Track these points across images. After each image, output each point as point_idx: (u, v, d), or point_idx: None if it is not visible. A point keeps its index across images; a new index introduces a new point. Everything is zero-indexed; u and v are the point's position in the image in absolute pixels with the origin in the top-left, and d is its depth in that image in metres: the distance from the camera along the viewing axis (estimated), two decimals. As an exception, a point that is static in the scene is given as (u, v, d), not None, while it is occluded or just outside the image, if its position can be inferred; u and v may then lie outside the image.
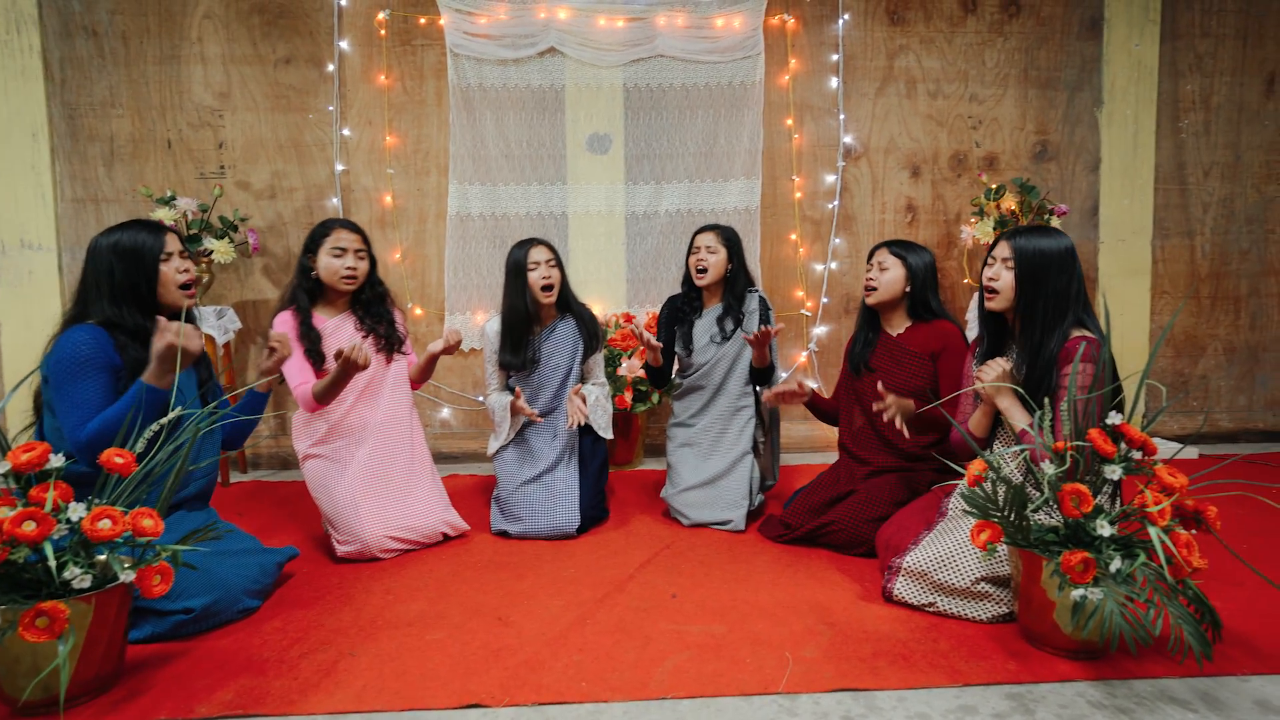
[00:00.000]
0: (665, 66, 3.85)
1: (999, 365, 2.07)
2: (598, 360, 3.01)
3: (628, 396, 3.51)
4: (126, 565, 1.62)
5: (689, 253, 2.97)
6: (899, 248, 2.60)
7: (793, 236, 3.98)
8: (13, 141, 3.59)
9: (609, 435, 2.94)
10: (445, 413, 3.93)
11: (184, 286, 2.12)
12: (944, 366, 2.52)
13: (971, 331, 3.47)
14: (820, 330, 4.01)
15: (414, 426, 2.75)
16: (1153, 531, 1.65)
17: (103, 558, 1.62)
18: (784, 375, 2.75)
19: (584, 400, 2.83)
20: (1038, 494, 1.82)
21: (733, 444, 2.88)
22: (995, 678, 1.73)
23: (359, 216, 3.82)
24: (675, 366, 3.08)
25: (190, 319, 2.00)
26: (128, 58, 3.66)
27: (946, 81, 3.96)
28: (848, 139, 3.95)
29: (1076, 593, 1.65)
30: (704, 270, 2.91)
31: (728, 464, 2.85)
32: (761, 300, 2.94)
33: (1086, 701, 1.64)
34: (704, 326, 2.97)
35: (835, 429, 2.84)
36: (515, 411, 2.81)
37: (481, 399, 3.89)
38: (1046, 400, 1.93)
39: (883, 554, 2.26)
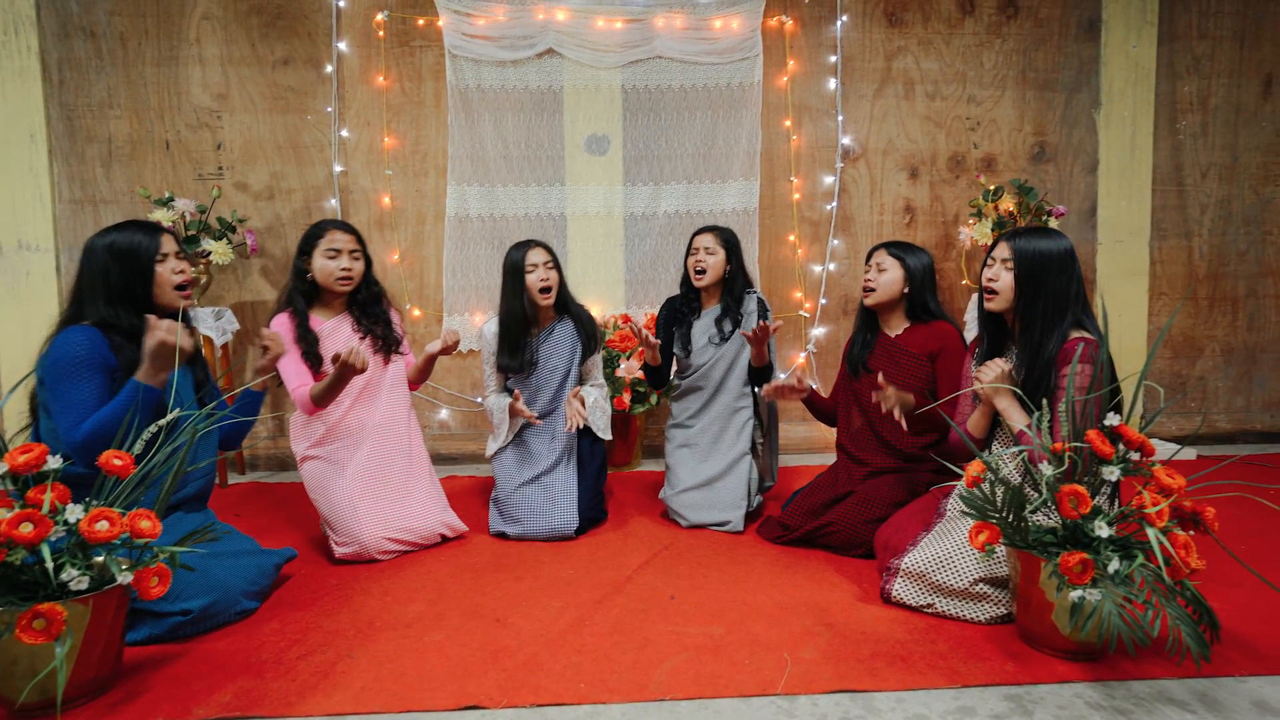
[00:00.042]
0: (663, 68, 3.84)
1: (998, 366, 2.07)
2: (596, 362, 3.01)
3: (626, 398, 3.51)
4: (124, 567, 1.62)
5: (687, 254, 2.98)
6: (897, 249, 2.60)
7: (791, 238, 3.98)
8: (10, 143, 3.58)
9: (608, 436, 2.94)
10: (443, 414, 3.92)
11: (179, 287, 2.11)
12: (942, 367, 2.53)
13: (970, 332, 3.47)
14: (819, 331, 4.01)
15: (412, 428, 2.74)
16: (1151, 532, 1.65)
17: (100, 559, 1.61)
18: (782, 376, 2.75)
19: (583, 403, 2.83)
20: (1036, 495, 1.82)
21: (731, 445, 2.88)
22: (993, 679, 1.73)
23: (357, 218, 3.82)
24: (674, 368, 3.08)
25: (185, 319, 2.00)
26: (126, 59, 3.65)
27: (944, 83, 3.97)
28: (846, 140, 3.95)
29: (1075, 594, 1.65)
30: (702, 271, 2.91)
31: (726, 465, 2.85)
32: (760, 301, 2.94)
33: (1085, 702, 1.64)
34: (702, 328, 2.97)
35: (833, 430, 2.84)
36: (514, 413, 2.81)
37: (480, 400, 3.89)
38: (1045, 401, 1.93)
39: (881, 555, 2.26)
